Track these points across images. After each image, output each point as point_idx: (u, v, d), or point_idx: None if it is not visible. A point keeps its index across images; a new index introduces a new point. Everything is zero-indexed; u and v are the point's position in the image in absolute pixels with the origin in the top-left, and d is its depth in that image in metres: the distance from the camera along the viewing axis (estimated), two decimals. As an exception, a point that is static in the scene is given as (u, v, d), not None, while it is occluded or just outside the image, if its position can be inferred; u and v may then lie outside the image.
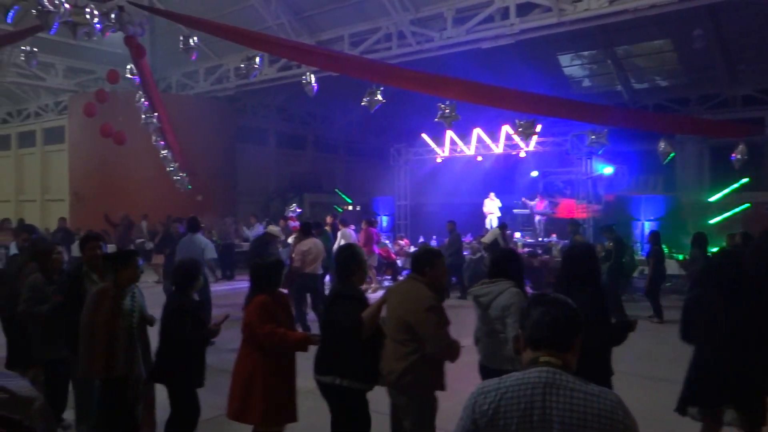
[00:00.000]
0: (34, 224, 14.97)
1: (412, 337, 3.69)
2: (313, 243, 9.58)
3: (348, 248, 4.28)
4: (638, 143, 17.05)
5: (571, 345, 2.00)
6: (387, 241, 16.16)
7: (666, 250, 13.78)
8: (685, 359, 4.10)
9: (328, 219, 13.88)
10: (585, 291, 3.72)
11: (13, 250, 6.56)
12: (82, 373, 4.45)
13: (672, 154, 12.94)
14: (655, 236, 11.20)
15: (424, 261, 3.90)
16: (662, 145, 12.35)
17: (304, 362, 4.37)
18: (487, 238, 13.68)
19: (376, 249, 14.28)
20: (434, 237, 16.33)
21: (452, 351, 3.70)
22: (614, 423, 1.85)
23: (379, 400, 4.12)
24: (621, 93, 19.48)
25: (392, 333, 3.81)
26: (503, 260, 4.21)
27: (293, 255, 9.52)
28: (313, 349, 4.15)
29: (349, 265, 4.04)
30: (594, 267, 4.05)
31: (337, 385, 3.83)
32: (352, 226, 14.42)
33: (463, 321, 5.31)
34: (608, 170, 19.06)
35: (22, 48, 10.85)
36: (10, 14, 5.79)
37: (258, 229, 16.40)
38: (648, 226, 15.58)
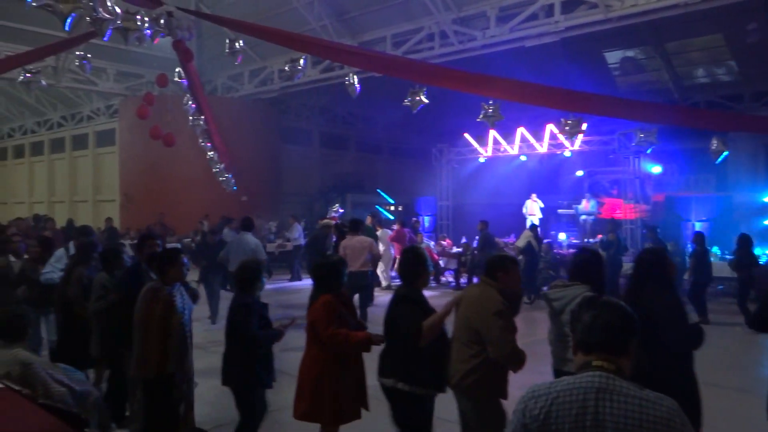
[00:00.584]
0: (88, 224, 15.48)
1: (477, 339, 3.66)
2: (358, 240, 9.67)
3: (413, 250, 4.22)
4: (688, 141, 16.55)
5: (625, 349, 1.95)
6: (430, 242, 16.10)
7: (717, 252, 13.37)
8: (739, 366, 3.97)
9: (368, 220, 13.95)
10: (661, 294, 3.68)
11: (72, 250, 6.76)
12: (134, 371, 4.51)
13: (725, 153, 12.51)
14: (698, 237, 10.92)
15: (498, 266, 3.86)
16: (715, 143, 11.95)
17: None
18: (520, 242, 13.56)
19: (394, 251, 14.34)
20: (463, 237, 16.17)
21: (516, 358, 3.63)
22: (670, 430, 1.80)
23: (446, 407, 4.10)
24: (670, 90, 18.93)
25: (458, 335, 3.79)
26: (583, 262, 4.07)
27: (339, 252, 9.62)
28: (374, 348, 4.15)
29: (416, 267, 3.99)
30: (667, 270, 3.95)
31: (399, 389, 3.80)
32: (395, 227, 14.48)
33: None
34: (657, 169, 18.59)
35: (77, 53, 11.22)
36: (68, 21, 5.97)
37: (297, 230, 16.56)
38: (699, 227, 15.12)
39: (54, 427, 2.57)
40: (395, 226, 14.53)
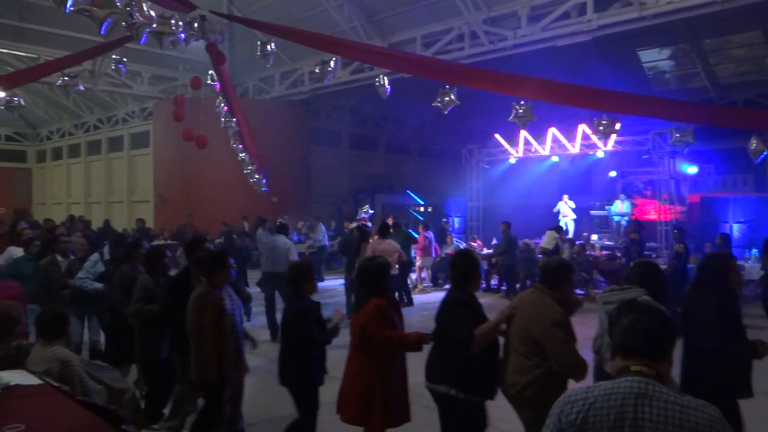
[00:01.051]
0: (122, 225, 15.75)
1: (536, 350, 3.56)
2: (387, 244, 9.73)
3: (465, 254, 4.14)
4: (725, 141, 16.16)
5: (665, 354, 1.91)
6: (460, 243, 16.01)
7: (756, 254, 13.02)
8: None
9: (389, 221, 14.00)
10: (711, 299, 3.67)
11: (106, 255, 6.73)
12: (196, 377, 4.47)
13: (765, 153, 12.17)
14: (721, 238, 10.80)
15: (558, 275, 3.75)
16: (754, 143, 11.62)
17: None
18: (548, 243, 13.57)
19: (435, 252, 14.26)
20: (494, 239, 15.97)
21: (579, 369, 3.53)
22: None
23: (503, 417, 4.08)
24: (707, 89, 18.51)
25: (515, 344, 3.68)
26: (639, 265, 3.97)
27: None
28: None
29: (467, 271, 3.90)
30: (725, 276, 3.90)
31: (453, 396, 3.72)
32: (429, 231, 14.47)
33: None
34: (692, 170, 18.19)
35: (114, 57, 11.46)
36: (104, 26, 6.10)
37: (321, 231, 16.56)
38: (736, 229, 14.74)
39: (92, 423, 2.62)
40: (420, 230, 14.52)
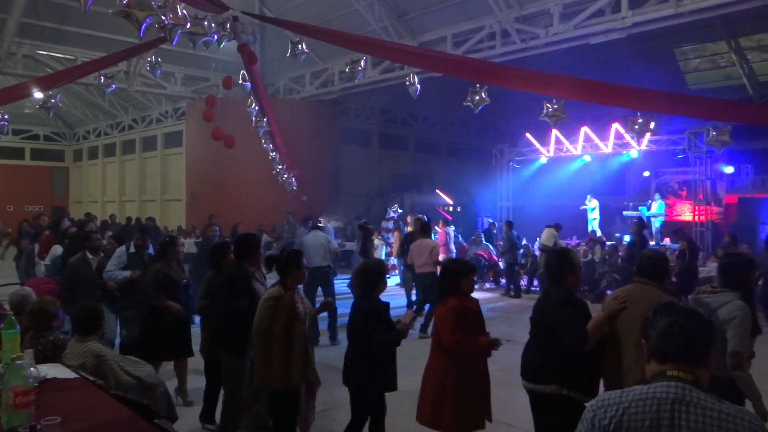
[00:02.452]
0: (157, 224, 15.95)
1: None
2: (419, 242, 9.85)
3: (561, 253, 4.00)
4: (763, 140, 15.77)
5: (704, 359, 1.85)
6: (489, 243, 15.90)
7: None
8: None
9: (408, 219, 14.17)
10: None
11: (132, 249, 6.81)
12: (260, 385, 4.26)
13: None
14: None
15: (662, 266, 3.76)
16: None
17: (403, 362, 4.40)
18: (547, 240, 13.97)
19: (454, 249, 14.23)
20: (523, 239, 15.79)
21: None
22: None
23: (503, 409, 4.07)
24: (745, 87, 18.06)
25: (632, 338, 3.55)
26: (729, 268, 3.87)
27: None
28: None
29: (561, 269, 3.77)
30: (748, 278, 3.86)
31: (563, 396, 3.60)
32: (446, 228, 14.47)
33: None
34: (729, 170, 17.77)
35: (148, 59, 11.67)
36: (143, 27, 6.21)
37: (328, 228, 16.47)
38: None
39: (126, 417, 2.67)
40: (440, 226, 14.60)
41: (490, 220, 17.28)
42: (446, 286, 4.14)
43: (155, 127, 27.20)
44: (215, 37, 8.97)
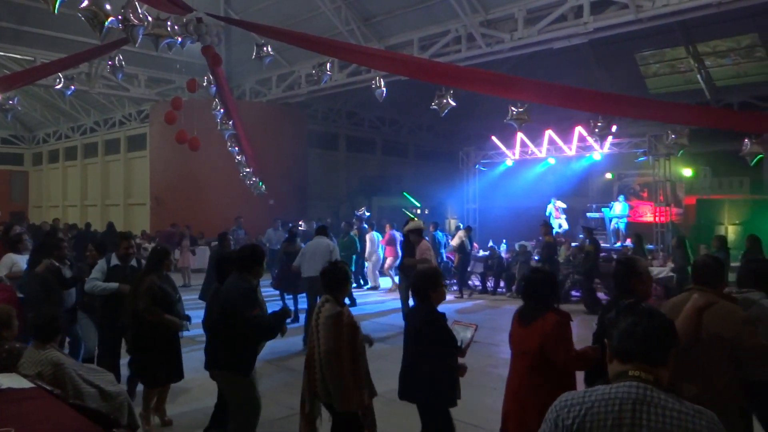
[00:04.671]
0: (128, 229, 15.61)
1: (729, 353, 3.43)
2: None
3: (627, 263, 3.87)
4: (721, 143, 16.22)
5: (665, 359, 1.88)
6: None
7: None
8: None
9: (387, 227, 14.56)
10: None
11: (114, 261, 6.25)
12: (342, 408, 4.00)
13: (760, 155, 12.22)
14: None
15: (718, 273, 3.67)
16: (747, 144, 11.69)
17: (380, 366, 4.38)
18: (454, 242, 14.46)
19: (400, 250, 14.41)
20: (490, 241, 16.04)
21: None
22: None
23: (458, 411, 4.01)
24: (702, 91, 18.58)
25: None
26: (746, 269, 3.94)
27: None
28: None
29: (630, 279, 3.68)
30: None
31: None
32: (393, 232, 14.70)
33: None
34: (688, 172, 18.24)
35: (109, 63, 11.44)
36: (104, 28, 6.08)
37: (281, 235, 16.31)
38: (732, 231, 14.78)
39: (83, 427, 2.60)
40: (386, 229, 14.96)
41: (459, 224, 17.41)
42: (549, 297, 3.82)
43: (118, 130, 26.68)
44: (179, 38, 8.86)
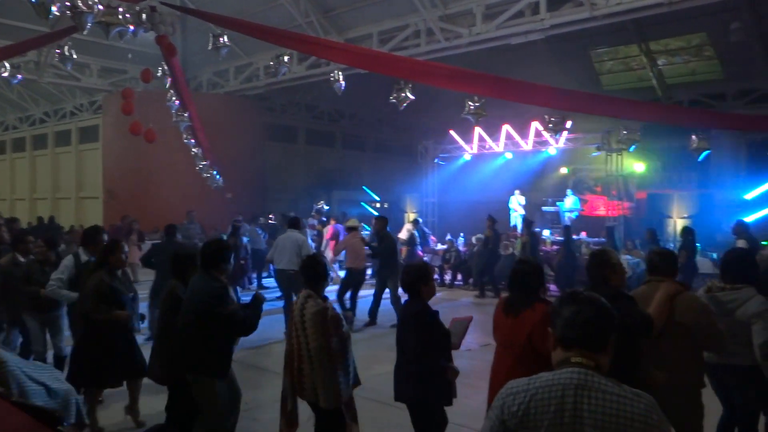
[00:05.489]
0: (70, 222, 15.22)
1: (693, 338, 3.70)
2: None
3: (600, 253, 3.96)
4: (672, 139, 16.69)
5: (604, 345, 1.94)
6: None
7: (699, 248, 13.52)
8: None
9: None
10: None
11: (83, 256, 5.91)
12: (329, 404, 3.96)
13: (707, 151, 12.65)
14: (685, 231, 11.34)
15: (675, 263, 4.02)
16: (696, 141, 12.10)
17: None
18: (402, 234, 14.81)
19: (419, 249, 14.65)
20: (448, 234, 16.25)
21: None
22: (648, 426, 1.79)
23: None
24: (654, 88, 19.08)
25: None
26: (738, 263, 4.09)
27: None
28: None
29: (603, 270, 3.77)
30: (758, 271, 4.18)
31: None
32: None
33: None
34: (640, 167, 18.74)
35: (57, 51, 11.05)
36: (51, 14, 5.89)
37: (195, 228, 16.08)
38: (681, 224, 15.26)
39: (26, 425, 2.53)
40: (330, 222, 15.10)
41: (419, 219, 17.54)
42: (536, 288, 3.88)
43: (69, 121, 25.86)
44: (131, 27, 8.63)
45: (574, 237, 15.51)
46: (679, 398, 3.68)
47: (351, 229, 10.78)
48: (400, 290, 9.70)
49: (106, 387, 5.33)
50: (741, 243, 9.37)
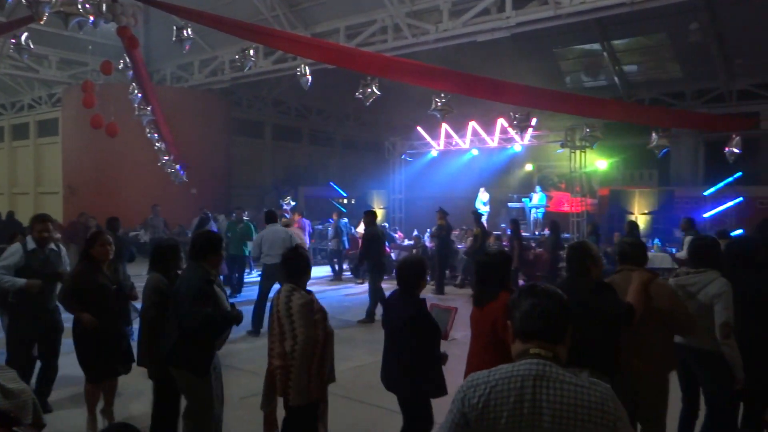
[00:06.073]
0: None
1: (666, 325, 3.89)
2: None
3: (581, 247, 4.03)
4: (633, 137, 17.06)
5: (562, 337, 1.98)
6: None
7: (659, 243, 13.87)
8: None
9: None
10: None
11: (31, 244, 5.63)
12: (299, 401, 3.89)
13: (666, 149, 12.97)
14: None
15: (644, 252, 4.19)
16: (655, 138, 12.38)
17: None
18: (359, 229, 14.77)
19: (307, 239, 14.91)
20: (415, 230, 16.38)
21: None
22: (604, 415, 1.83)
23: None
24: (616, 86, 19.47)
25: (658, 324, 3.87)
26: (704, 249, 4.24)
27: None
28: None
29: (585, 262, 3.85)
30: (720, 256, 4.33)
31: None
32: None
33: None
34: (603, 164, 19.11)
35: (12, 41, 10.70)
36: (8, 2, 5.71)
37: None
38: (642, 220, 15.61)
39: (-21, 426, 2.45)
40: (295, 216, 15.22)
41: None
42: (501, 279, 3.91)
43: (27, 114, 25.15)
44: (91, 18, 8.43)
45: (537, 233, 15.76)
46: (654, 382, 3.87)
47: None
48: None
49: (98, 381, 5.12)
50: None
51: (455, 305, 4.33)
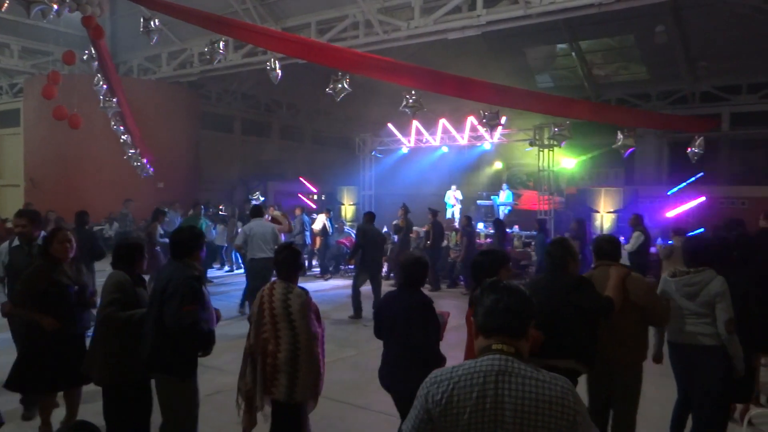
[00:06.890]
0: None
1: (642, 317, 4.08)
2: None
3: (561, 242, 4.22)
4: (600, 137, 17.33)
5: (524, 332, 1.99)
6: (352, 231, 16.13)
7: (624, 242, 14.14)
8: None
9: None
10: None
11: (15, 241, 5.50)
12: (291, 399, 3.85)
13: (632, 148, 13.22)
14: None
15: (620, 250, 4.36)
16: (621, 138, 12.61)
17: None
18: (316, 225, 15.49)
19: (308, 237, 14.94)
20: (384, 227, 16.38)
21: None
22: (565, 409, 1.86)
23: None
24: (584, 86, 19.76)
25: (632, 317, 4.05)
26: (703, 249, 4.33)
27: None
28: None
29: (565, 257, 3.99)
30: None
31: (575, 370, 3.74)
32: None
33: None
34: (570, 163, 19.38)
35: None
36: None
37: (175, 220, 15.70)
38: (608, 219, 15.89)
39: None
40: (270, 211, 15.11)
41: (330, 210, 17.61)
42: (480, 277, 3.90)
43: (-13, 104, 24.44)
44: (55, 6, 8.23)
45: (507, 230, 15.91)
46: (630, 372, 4.07)
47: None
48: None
49: (37, 393, 4.75)
50: (676, 240, 9.78)
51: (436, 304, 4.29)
